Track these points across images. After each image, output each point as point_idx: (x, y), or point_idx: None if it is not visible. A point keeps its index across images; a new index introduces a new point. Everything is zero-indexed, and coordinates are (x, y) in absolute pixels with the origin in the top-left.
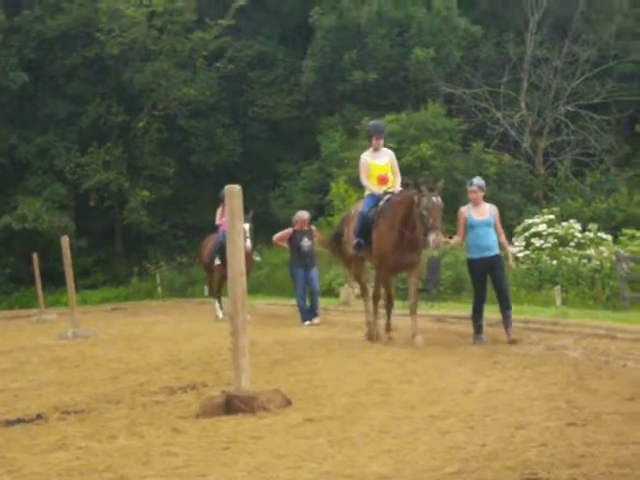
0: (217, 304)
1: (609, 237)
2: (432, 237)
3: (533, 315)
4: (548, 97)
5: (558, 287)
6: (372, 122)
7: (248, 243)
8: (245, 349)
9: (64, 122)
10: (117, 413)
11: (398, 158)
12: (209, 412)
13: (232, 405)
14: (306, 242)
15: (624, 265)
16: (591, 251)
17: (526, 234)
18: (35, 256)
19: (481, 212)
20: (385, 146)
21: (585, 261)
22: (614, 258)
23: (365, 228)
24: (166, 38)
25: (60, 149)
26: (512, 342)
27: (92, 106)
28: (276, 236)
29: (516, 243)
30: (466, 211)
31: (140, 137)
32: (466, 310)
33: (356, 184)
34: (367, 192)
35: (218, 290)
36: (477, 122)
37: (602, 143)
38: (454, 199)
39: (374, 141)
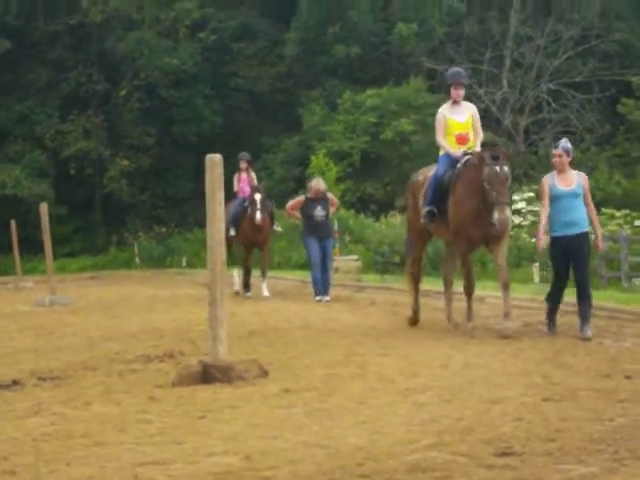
0: (236, 278)
1: None
2: (496, 216)
3: (511, 292)
4: (530, 75)
5: (537, 264)
6: (452, 69)
7: (258, 215)
8: (223, 319)
9: (45, 89)
10: (93, 380)
11: (377, 133)
12: (186, 381)
13: (209, 374)
14: (319, 211)
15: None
16: None
17: None
18: (13, 223)
19: (567, 181)
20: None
21: None
22: (592, 237)
23: (439, 194)
24: (149, 7)
25: (40, 116)
26: (586, 339)
27: (73, 74)
28: (289, 205)
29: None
30: (550, 179)
31: (121, 106)
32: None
33: (337, 157)
34: (442, 152)
35: (246, 262)
36: None
37: (583, 122)
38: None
39: (453, 92)
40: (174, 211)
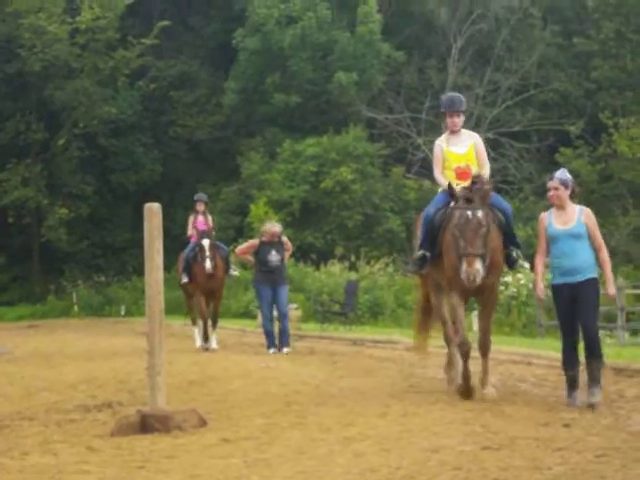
0: (196, 330)
1: (527, 265)
2: (464, 268)
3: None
4: (469, 124)
5: (475, 313)
6: (446, 95)
7: (208, 263)
8: (161, 368)
9: None
10: (31, 430)
11: (317, 182)
12: (124, 431)
13: (147, 424)
14: (274, 256)
15: None
16: (509, 278)
17: None
18: None
19: (565, 219)
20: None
21: (502, 288)
22: (531, 286)
23: (430, 236)
24: (88, 56)
25: None
26: (592, 406)
27: (12, 122)
28: (240, 248)
29: None
30: (546, 218)
31: (60, 155)
32: (383, 333)
33: (277, 206)
34: (440, 189)
35: (192, 312)
36: (398, 147)
37: (522, 171)
38: (375, 222)
39: (449, 121)
40: (113, 260)
